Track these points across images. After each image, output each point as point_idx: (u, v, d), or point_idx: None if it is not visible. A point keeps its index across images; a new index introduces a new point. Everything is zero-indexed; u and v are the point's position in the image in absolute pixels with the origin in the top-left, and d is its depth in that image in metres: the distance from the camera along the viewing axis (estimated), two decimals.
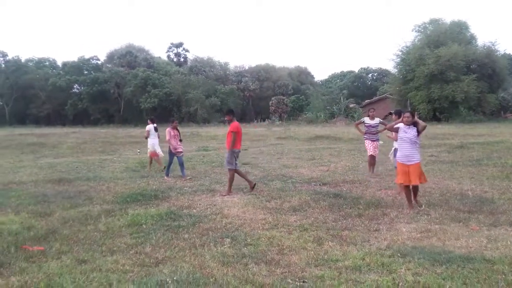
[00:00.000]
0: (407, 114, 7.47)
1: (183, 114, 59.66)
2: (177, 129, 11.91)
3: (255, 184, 9.40)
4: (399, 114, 9.28)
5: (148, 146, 13.59)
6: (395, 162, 9.12)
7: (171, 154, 11.67)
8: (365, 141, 11.59)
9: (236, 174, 9.30)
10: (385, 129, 11.20)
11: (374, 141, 11.35)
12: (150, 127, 13.54)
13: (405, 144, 7.43)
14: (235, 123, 9.28)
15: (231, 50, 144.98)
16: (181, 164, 11.72)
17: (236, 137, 9.17)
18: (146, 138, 13.63)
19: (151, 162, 13.54)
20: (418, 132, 7.35)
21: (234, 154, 9.22)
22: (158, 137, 13.72)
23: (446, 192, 8.58)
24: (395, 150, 9.11)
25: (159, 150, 13.51)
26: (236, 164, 9.32)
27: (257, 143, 24.21)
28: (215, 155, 17.47)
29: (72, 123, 59.22)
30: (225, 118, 9.42)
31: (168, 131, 11.68)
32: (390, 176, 10.86)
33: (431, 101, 45.19)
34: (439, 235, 5.72)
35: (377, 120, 11.53)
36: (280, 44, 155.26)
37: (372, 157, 11.40)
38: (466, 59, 44.00)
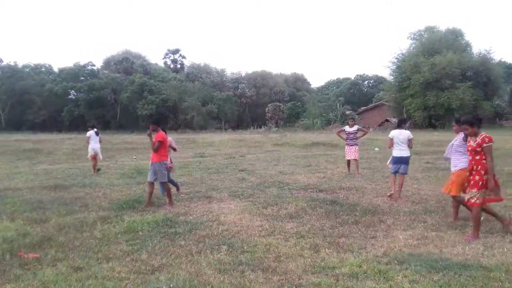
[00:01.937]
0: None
1: (179, 121, 59.64)
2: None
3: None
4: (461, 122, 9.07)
5: (88, 150, 14.76)
6: (392, 168, 9.18)
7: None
8: (346, 146, 13.18)
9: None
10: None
11: (352, 145, 12.92)
12: (91, 133, 14.80)
13: (452, 152, 7.04)
14: (161, 132, 8.63)
15: (228, 56, 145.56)
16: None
17: (160, 146, 8.52)
18: (88, 144, 14.81)
19: (95, 165, 14.57)
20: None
21: (164, 166, 8.61)
22: (100, 142, 15.07)
23: (442, 199, 8.59)
24: (393, 158, 9.18)
25: (99, 155, 14.81)
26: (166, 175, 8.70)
27: (253, 150, 24.23)
28: (212, 162, 17.46)
29: (68, 129, 58.98)
30: (150, 129, 8.68)
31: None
32: (386, 183, 10.89)
33: (427, 108, 45.46)
34: (436, 242, 5.72)
35: (355, 127, 13.24)
36: (277, 51, 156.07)
37: (349, 161, 13.08)
38: (461, 66, 44.33)
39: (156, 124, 8.80)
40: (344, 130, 13.45)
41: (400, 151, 9.14)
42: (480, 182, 5.92)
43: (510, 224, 6.22)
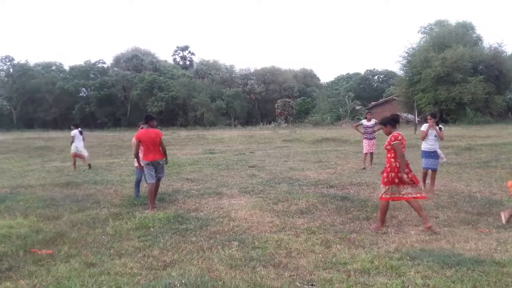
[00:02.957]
0: None
1: (189, 118, 59.84)
2: None
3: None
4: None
5: (72, 149, 15.05)
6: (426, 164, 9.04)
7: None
8: (364, 140, 13.33)
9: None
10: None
11: (371, 139, 13.11)
12: (75, 132, 15.14)
13: None
14: (141, 130, 8.23)
15: (236, 53, 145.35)
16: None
17: (138, 146, 8.12)
18: (72, 143, 15.06)
19: (75, 163, 14.95)
20: None
21: (147, 167, 8.11)
22: (84, 140, 15.43)
23: (454, 195, 8.53)
24: (424, 152, 9.12)
25: (84, 152, 15.15)
26: (153, 176, 8.13)
27: (263, 146, 24.21)
28: (221, 158, 17.48)
29: (79, 126, 59.48)
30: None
31: (132, 141, 8.89)
32: None
33: (438, 103, 45.02)
34: (448, 238, 5.68)
35: (373, 121, 13.31)
36: (286, 47, 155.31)
37: (366, 154, 13.21)
38: (472, 60, 43.85)
39: (142, 122, 8.48)
40: (361, 124, 13.63)
41: None
42: (386, 179, 6.25)
43: (431, 227, 6.06)
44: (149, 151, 8.13)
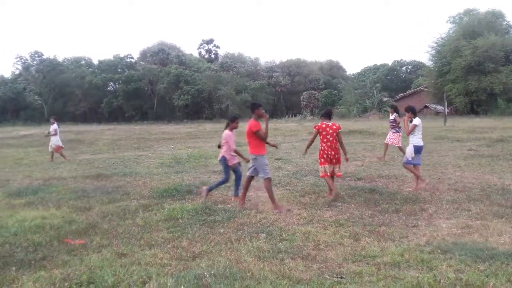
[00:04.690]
0: None
1: (215, 111, 60.16)
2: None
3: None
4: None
5: (54, 142, 15.90)
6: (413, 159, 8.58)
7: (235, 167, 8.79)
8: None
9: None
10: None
11: (394, 133, 13.45)
12: (56, 126, 15.89)
13: None
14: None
15: (261, 45, 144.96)
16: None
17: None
18: (54, 135, 15.81)
19: (52, 156, 16.04)
20: None
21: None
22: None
23: (486, 187, 8.31)
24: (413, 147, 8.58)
25: (61, 144, 16.21)
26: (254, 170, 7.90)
27: (289, 139, 24.13)
28: (247, 151, 17.47)
29: (107, 120, 60.66)
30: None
31: (229, 135, 9.08)
32: (427, 171, 10.62)
33: (468, 93, 43.87)
34: (481, 231, 5.55)
35: (392, 116, 13.67)
36: (311, 39, 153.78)
37: (386, 145, 13.69)
38: (504, 49, 42.47)
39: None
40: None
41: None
42: (321, 159, 8.08)
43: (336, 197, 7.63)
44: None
